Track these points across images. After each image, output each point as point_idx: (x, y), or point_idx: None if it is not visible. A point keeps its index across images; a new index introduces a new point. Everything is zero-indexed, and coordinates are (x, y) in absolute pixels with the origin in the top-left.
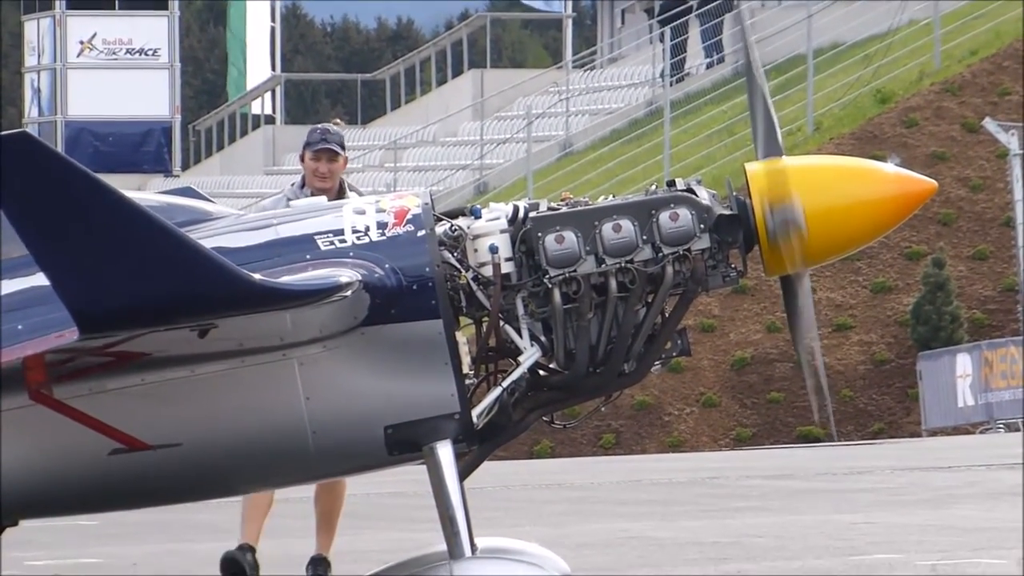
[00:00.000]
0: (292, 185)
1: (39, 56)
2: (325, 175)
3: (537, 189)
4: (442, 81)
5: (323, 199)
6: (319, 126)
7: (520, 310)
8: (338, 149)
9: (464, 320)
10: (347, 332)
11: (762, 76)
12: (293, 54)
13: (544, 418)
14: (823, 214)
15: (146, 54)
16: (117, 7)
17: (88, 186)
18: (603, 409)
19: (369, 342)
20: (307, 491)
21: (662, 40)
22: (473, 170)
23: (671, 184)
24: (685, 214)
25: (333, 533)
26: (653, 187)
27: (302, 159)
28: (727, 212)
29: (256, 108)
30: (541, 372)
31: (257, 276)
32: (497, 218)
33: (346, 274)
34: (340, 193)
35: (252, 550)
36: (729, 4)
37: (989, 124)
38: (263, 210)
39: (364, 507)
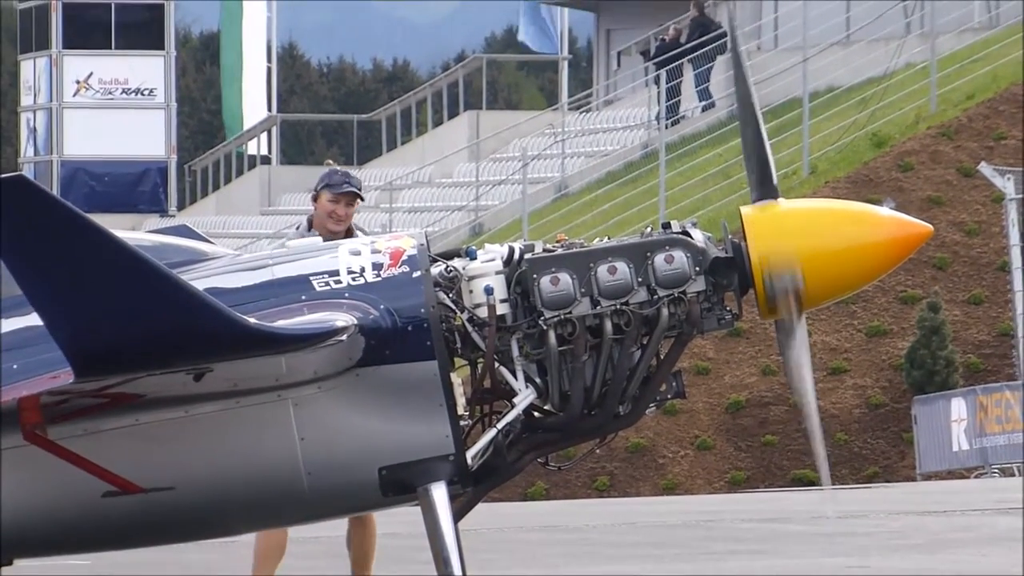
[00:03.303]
0: (297, 228)
1: (35, 95)
2: (342, 218)
3: (532, 231)
4: (438, 122)
5: (319, 239)
6: (338, 168)
7: (515, 351)
8: (360, 193)
9: (459, 361)
10: (342, 373)
11: (759, 116)
12: (289, 94)
13: (539, 460)
14: (818, 258)
15: (142, 94)
16: (114, 47)
17: (82, 229)
18: (598, 451)
19: (364, 383)
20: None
21: (657, 83)
22: (469, 211)
23: (666, 226)
24: (680, 256)
25: (369, 571)
26: (648, 229)
27: (315, 199)
28: (722, 255)
29: (252, 148)
30: (536, 414)
31: (253, 320)
32: (492, 259)
33: (342, 318)
34: (348, 235)
35: None
36: (722, 48)
37: (985, 168)
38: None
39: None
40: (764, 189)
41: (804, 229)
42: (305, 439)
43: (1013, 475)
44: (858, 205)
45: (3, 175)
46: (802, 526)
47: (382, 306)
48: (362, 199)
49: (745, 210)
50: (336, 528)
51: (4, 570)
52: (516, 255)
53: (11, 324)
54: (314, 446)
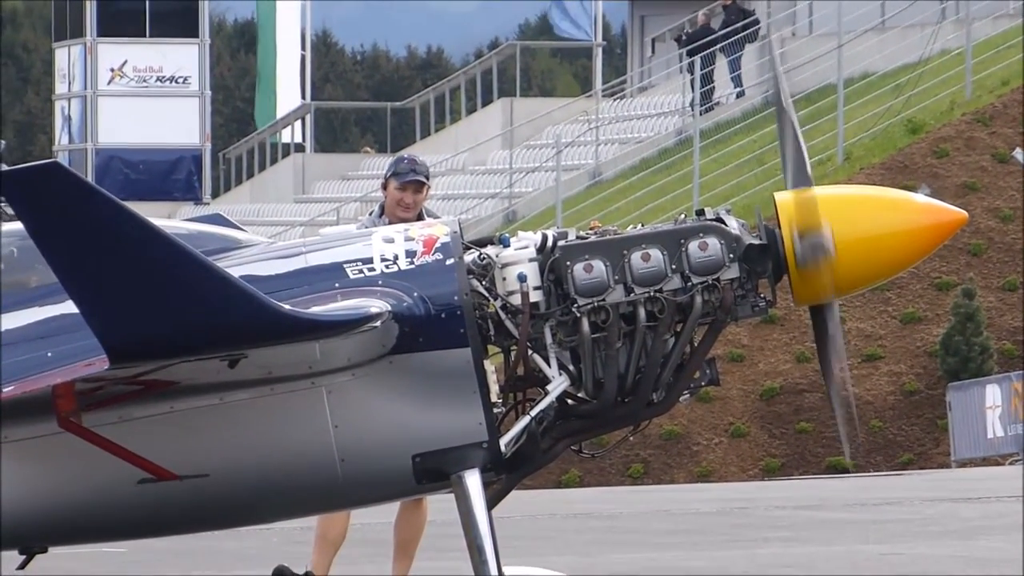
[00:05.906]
0: (370, 215)
1: (69, 83)
2: (409, 206)
3: (566, 218)
4: (472, 110)
5: (352, 227)
6: (405, 156)
7: (548, 339)
8: (425, 180)
9: (492, 349)
10: (375, 360)
11: (791, 106)
12: (323, 82)
13: (572, 447)
14: (853, 244)
15: (177, 82)
16: (148, 35)
17: (118, 216)
18: (631, 438)
19: (397, 370)
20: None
21: (691, 70)
22: (502, 199)
23: (700, 213)
24: (714, 243)
25: (411, 561)
26: (682, 216)
27: (384, 187)
28: (756, 242)
29: (286, 136)
30: (569, 401)
31: (287, 307)
32: (526, 247)
33: (375, 304)
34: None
35: None
36: (754, 35)
37: (1019, 154)
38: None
39: (391, 535)
40: (798, 176)
41: (839, 215)
42: (339, 426)
43: None
44: (893, 192)
45: (38, 162)
46: (836, 513)
47: (415, 293)
48: (427, 184)
49: (779, 196)
50: (374, 515)
51: (39, 557)
52: (549, 242)
53: (46, 312)
54: (348, 433)
